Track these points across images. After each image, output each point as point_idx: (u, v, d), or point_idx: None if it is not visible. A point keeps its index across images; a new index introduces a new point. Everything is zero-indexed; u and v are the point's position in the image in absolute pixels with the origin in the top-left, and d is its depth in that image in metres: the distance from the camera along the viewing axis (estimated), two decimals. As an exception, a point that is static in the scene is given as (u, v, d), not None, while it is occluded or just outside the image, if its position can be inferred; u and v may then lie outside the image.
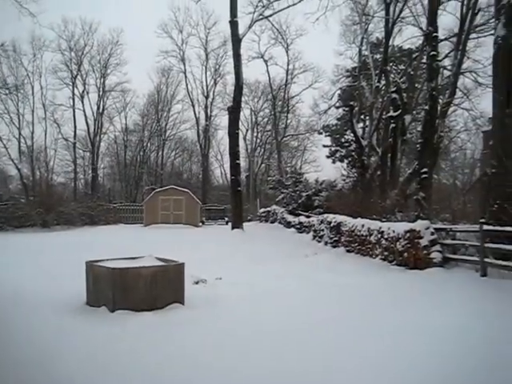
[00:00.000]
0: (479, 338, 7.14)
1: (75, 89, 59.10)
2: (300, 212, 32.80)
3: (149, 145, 65.46)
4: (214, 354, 6.37)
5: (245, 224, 33.50)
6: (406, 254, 14.99)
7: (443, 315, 8.61)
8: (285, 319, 8.20)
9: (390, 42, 35.06)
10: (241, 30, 32.70)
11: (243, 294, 10.13)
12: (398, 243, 15.43)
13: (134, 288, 8.42)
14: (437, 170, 36.87)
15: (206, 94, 62.50)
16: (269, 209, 39.78)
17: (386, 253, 16.34)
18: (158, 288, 8.63)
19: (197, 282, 10.82)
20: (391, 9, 32.05)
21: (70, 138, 59.56)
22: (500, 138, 15.36)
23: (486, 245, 12.76)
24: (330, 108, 46.77)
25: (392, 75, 35.73)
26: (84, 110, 59.03)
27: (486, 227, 12.82)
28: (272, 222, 37.32)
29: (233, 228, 31.54)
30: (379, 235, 16.91)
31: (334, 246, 21.38)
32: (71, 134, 59.33)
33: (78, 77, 59.00)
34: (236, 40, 32.29)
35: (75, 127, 58.72)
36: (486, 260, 12.62)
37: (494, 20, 17.10)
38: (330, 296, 10.61)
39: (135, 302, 8.35)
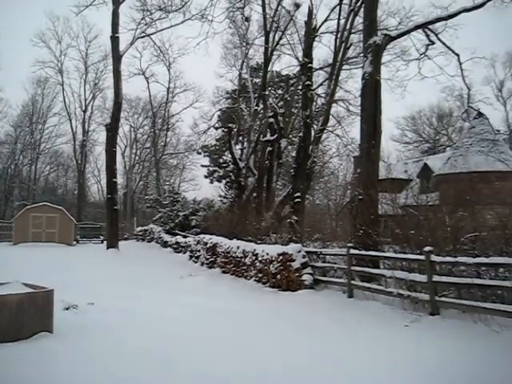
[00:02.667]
0: (339, 358, 7.63)
1: None
2: (177, 232, 32.80)
3: (21, 158, 62.26)
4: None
5: (121, 243, 32.87)
6: (278, 276, 15.49)
7: (311, 337, 9.10)
8: (155, 346, 8.17)
9: (270, 68, 36.20)
10: (122, 46, 32.41)
11: (115, 321, 9.87)
12: (271, 265, 15.90)
13: (-3, 317, 8.00)
14: (311, 191, 38.41)
15: (84, 107, 60.68)
16: (146, 228, 39.38)
17: (260, 275, 16.77)
18: (24, 317, 8.20)
19: (67, 308, 10.42)
20: (271, 35, 33.14)
21: None
22: (366, 167, 16.44)
23: (353, 268, 13.56)
24: (209, 128, 47.48)
25: (270, 99, 36.84)
26: None
27: (352, 251, 13.63)
28: (149, 241, 36.94)
29: (108, 247, 30.80)
30: (254, 257, 17.34)
31: (210, 267, 21.59)
32: None
33: None
34: (116, 56, 31.87)
35: None
36: (353, 282, 13.42)
37: (363, 56, 18.30)
38: (202, 320, 10.67)
39: (-2, 332, 7.93)
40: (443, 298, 10.49)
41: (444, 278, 10.49)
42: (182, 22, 34.27)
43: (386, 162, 37.39)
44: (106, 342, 8.29)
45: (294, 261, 15.07)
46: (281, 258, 15.49)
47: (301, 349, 8.27)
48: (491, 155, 29.54)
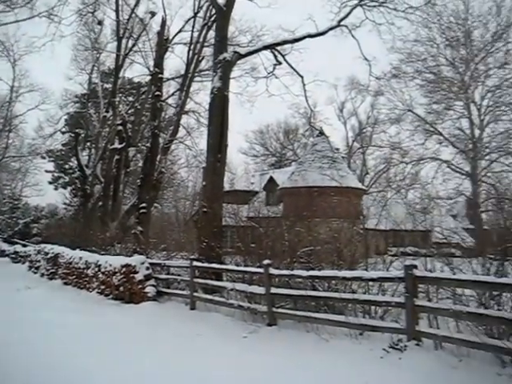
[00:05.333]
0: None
1: None
2: (16, 240, 31.15)
3: None
4: None
5: (-49, 252, 30.37)
6: (121, 288, 15.22)
7: (147, 350, 9.09)
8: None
9: (121, 74, 35.46)
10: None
11: None
12: (114, 277, 15.59)
13: None
14: (160, 201, 38.25)
15: None
16: (-19, 236, 36.82)
17: (102, 286, 16.38)
18: None
19: None
20: (123, 42, 32.52)
21: None
22: (211, 180, 16.74)
23: (195, 280, 13.71)
24: (55, 132, 45.18)
25: (120, 106, 36.16)
26: None
27: (195, 263, 13.77)
28: (-16, 251, 34.61)
29: None
30: (97, 268, 16.90)
31: (51, 279, 20.76)
32: None
33: None
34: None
35: None
36: (195, 294, 13.57)
37: (213, 70, 18.67)
38: (33, 336, 10.15)
39: None
40: (280, 309, 10.95)
41: (281, 290, 10.98)
42: (29, 19, 32.49)
43: (234, 174, 38.37)
44: None
45: (137, 272, 14.90)
46: (124, 269, 15.24)
47: (137, 362, 8.24)
48: (329, 172, 31.44)
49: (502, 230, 10.38)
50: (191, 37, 28.15)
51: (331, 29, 19.72)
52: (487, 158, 42.44)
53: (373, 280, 9.62)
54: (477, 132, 42.60)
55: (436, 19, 39.51)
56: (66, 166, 46.19)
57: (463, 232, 17.64)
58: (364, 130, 60.46)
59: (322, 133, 34.10)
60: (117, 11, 31.05)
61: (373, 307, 9.80)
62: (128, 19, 31.86)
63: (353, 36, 20.41)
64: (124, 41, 32.57)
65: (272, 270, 10.96)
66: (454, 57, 43.19)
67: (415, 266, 8.32)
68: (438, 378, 6.84)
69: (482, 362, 7.06)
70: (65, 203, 42.84)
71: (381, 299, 9.46)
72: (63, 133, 45.34)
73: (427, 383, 6.78)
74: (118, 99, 34.13)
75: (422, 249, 13.20)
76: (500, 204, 12.68)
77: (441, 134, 43.65)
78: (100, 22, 34.87)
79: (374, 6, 20.20)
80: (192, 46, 27.69)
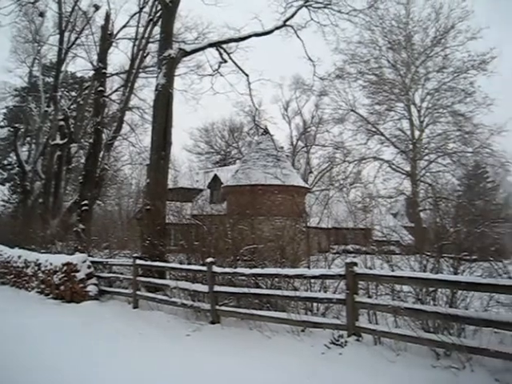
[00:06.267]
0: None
1: None
2: (-51, 239, 29.88)
3: None
4: None
5: None
6: (62, 287, 14.95)
7: (86, 350, 8.93)
8: None
9: (64, 68, 34.52)
10: None
11: None
12: (55, 276, 15.28)
13: None
14: (103, 198, 37.61)
15: None
16: None
17: (42, 286, 16.07)
18: None
19: None
20: (66, 35, 31.63)
21: None
22: (155, 177, 16.59)
23: (138, 278, 13.58)
24: (-7, 126, 43.97)
25: (63, 101, 35.27)
26: None
27: (138, 262, 13.64)
28: None
29: None
30: (36, 267, 16.57)
31: (-13, 278, 20.16)
32: None
33: None
34: None
35: None
36: (138, 293, 13.45)
37: (157, 67, 18.47)
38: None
39: None
40: (223, 307, 11.00)
41: (224, 288, 11.02)
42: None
43: (178, 171, 38.09)
44: None
45: (78, 271, 14.68)
46: (65, 268, 14.97)
47: (75, 363, 8.09)
48: (273, 170, 31.64)
49: (438, 228, 10.71)
50: (136, 32, 27.83)
51: (277, 28, 19.93)
52: (426, 158, 43.79)
53: (315, 277, 9.77)
54: (417, 133, 43.88)
55: (378, 22, 40.74)
56: (5, 162, 44.80)
57: (403, 230, 18.09)
58: (308, 130, 61.02)
59: (266, 131, 34.23)
60: (59, 3, 30.16)
61: (315, 304, 9.98)
62: (71, 12, 30.99)
63: (298, 36, 20.72)
64: (67, 34, 31.60)
65: (215, 268, 10.98)
66: (395, 59, 44.28)
67: (356, 264, 8.50)
68: (377, 373, 7.00)
69: (417, 356, 7.31)
70: (3, 200, 41.60)
71: (322, 296, 9.64)
72: (1, 127, 44.06)
73: (366, 378, 6.92)
74: (59, 94, 33.30)
75: (363, 246, 13.45)
76: (436, 203, 13.05)
77: (382, 135, 44.70)
78: (41, 14, 33.69)
79: (319, 8, 20.55)
80: (137, 42, 27.35)
